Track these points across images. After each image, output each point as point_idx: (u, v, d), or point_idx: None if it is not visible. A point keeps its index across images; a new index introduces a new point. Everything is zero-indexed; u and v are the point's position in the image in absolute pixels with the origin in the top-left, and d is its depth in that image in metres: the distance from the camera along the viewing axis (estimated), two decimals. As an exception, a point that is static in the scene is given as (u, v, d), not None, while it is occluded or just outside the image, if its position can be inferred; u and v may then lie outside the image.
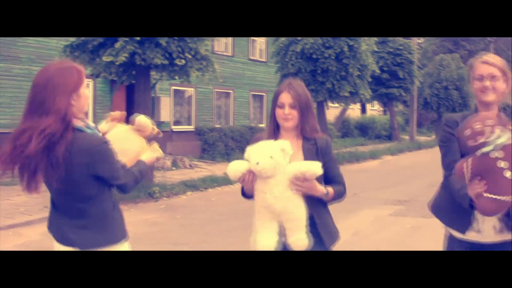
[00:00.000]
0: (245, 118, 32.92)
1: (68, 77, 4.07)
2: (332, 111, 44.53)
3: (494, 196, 3.77)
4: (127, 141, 4.52)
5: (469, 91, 47.22)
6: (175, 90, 27.94)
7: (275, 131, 4.64)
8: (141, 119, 4.57)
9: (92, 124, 4.20)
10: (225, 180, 19.39)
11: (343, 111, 41.46)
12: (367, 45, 26.77)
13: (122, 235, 4.28)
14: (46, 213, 4.05)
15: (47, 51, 21.15)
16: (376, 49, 30.17)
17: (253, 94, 33.87)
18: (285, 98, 4.54)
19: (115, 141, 4.27)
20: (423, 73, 47.63)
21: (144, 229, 12.27)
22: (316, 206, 4.51)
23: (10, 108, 19.96)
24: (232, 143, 28.81)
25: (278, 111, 4.56)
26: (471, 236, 4.47)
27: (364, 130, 46.36)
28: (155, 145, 4.67)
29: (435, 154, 12.40)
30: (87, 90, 4.16)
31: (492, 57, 4.44)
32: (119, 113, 4.60)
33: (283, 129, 4.62)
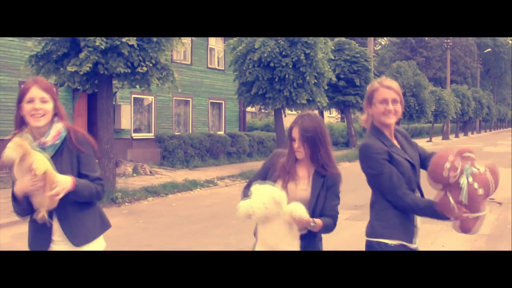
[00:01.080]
0: (204, 126, 33.22)
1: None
2: (290, 118, 44.64)
3: (476, 215, 4.37)
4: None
5: (425, 97, 48.01)
6: (135, 98, 28.24)
7: (295, 158, 4.90)
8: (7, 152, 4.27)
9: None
10: (185, 187, 19.90)
11: None
12: (323, 53, 27.12)
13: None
14: (14, 217, 4.32)
15: (12, 61, 21.57)
16: (332, 57, 30.63)
17: (211, 102, 34.20)
18: (295, 132, 4.84)
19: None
20: None
21: (108, 232, 12.65)
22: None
23: (-24, 117, 20.25)
24: (192, 150, 29.11)
25: (291, 143, 4.90)
26: (417, 243, 4.96)
27: (322, 136, 46.82)
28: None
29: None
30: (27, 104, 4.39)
31: (393, 83, 4.88)
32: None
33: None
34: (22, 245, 4.98)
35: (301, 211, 4.45)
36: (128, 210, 15.92)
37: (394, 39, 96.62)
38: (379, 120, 4.84)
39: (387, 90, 4.80)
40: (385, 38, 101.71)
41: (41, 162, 4.25)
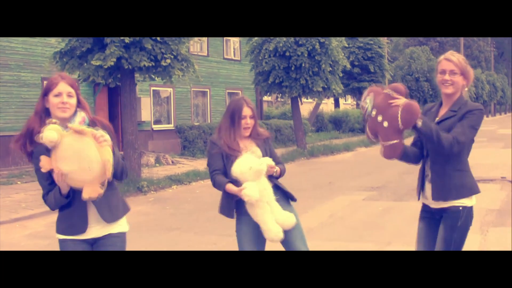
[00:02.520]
0: (221, 115, 33.32)
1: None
2: (306, 106, 45.04)
3: (387, 143, 5.05)
4: (78, 142, 4.74)
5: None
6: (154, 90, 28.80)
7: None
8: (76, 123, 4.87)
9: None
10: (207, 174, 20.30)
11: (317, 106, 42.01)
12: (337, 41, 27.51)
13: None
14: (45, 207, 4.77)
15: (34, 58, 22.18)
16: (346, 45, 30.96)
17: (228, 92, 34.59)
18: (246, 111, 6.02)
19: (69, 146, 4.72)
20: (394, 66, 48.37)
21: (138, 218, 13.32)
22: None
23: (2, 112, 20.98)
24: (211, 140, 29.44)
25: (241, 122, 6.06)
26: (423, 200, 5.56)
27: (338, 123, 46.92)
28: (96, 132, 4.90)
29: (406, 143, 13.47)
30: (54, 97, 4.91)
31: (454, 55, 5.33)
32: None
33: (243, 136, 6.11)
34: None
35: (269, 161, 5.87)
36: (154, 198, 16.50)
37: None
38: (441, 91, 5.40)
39: (446, 62, 5.29)
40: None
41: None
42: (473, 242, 9.88)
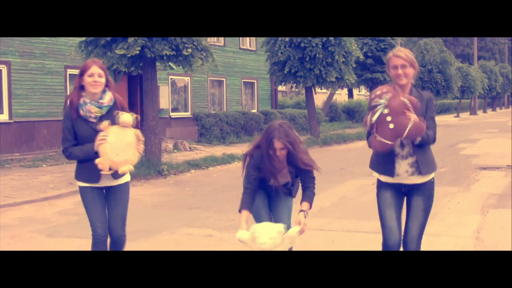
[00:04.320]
0: (237, 104, 34.31)
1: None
2: (320, 96, 45.60)
3: (381, 139, 5.71)
4: (123, 136, 6.32)
5: (451, 74, 48.73)
6: (172, 79, 29.62)
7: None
8: (124, 117, 6.33)
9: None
10: (224, 160, 21.25)
11: (330, 96, 42.45)
12: None
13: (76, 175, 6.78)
14: (72, 188, 5.66)
15: (58, 47, 23.00)
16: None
17: (244, 82, 35.21)
18: (277, 144, 6.34)
19: (117, 141, 6.28)
20: None
21: (160, 198, 14.18)
22: None
23: (26, 99, 21.87)
24: (227, 128, 30.41)
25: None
26: (394, 179, 6.24)
27: (351, 114, 47.39)
28: (139, 132, 6.54)
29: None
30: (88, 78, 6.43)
31: (401, 51, 6.09)
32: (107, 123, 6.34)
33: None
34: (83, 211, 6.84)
35: (296, 229, 6.05)
36: (174, 181, 17.25)
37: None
38: (395, 82, 6.08)
39: (396, 58, 6.03)
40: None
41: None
42: (473, 222, 10.69)
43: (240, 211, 6.44)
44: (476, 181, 15.69)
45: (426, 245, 8.04)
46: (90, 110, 6.39)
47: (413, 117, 5.61)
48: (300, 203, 6.46)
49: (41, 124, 22.30)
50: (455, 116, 63.47)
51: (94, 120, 6.42)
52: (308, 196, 6.54)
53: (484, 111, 79.93)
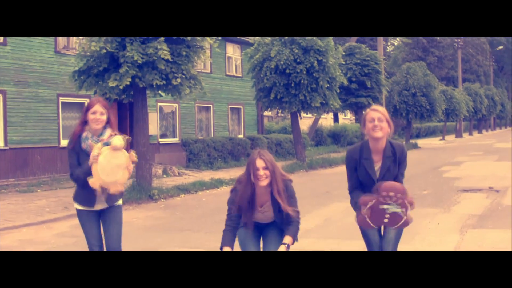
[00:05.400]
0: (224, 130, 34.88)
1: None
2: (306, 121, 45.82)
3: (370, 223, 6.50)
4: (113, 159, 6.92)
5: (435, 97, 49.37)
6: (160, 106, 30.22)
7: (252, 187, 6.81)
8: (115, 141, 6.94)
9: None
10: (212, 184, 21.89)
11: (316, 121, 42.72)
12: (334, 59, 28.54)
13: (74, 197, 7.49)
14: (68, 212, 6.23)
15: (50, 75, 23.79)
16: (343, 62, 31.88)
17: (231, 107, 35.82)
18: (259, 163, 6.69)
19: (108, 163, 6.87)
20: (391, 82, 49.04)
21: (152, 221, 14.80)
22: None
23: (21, 126, 22.58)
24: (215, 153, 30.97)
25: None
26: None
27: (337, 138, 47.81)
28: (132, 153, 7.23)
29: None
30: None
31: (379, 107, 6.71)
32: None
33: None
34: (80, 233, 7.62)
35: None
36: (164, 205, 17.86)
37: (406, 39, 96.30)
38: (370, 136, 6.68)
39: (373, 112, 6.63)
40: (397, 38, 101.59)
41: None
42: (452, 241, 11.31)
43: (221, 249, 6.68)
44: (457, 203, 16.28)
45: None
46: (91, 145, 7.05)
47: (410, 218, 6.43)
48: (283, 236, 6.76)
49: (35, 151, 22.96)
50: (441, 139, 64.16)
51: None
52: (292, 230, 6.77)
53: (470, 134, 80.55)
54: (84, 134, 7.12)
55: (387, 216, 6.32)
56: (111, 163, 6.90)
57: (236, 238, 6.97)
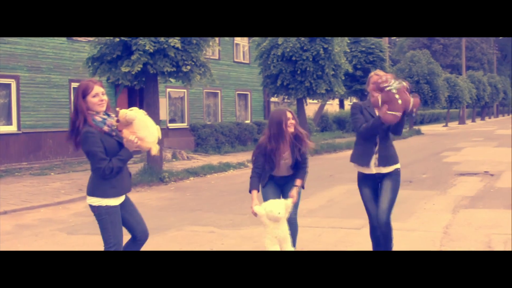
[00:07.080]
0: (231, 115, 35.39)
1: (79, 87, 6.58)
2: (311, 107, 46.55)
3: (393, 113, 7.26)
4: (146, 121, 6.48)
5: (438, 84, 49.84)
6: (169, 91, 30.85)
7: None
8: (131, 112, 6.34)
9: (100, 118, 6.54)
10: (220, 168, 22.57)
11: (321, 107, 43.05)
12: (340, 47, 28.84)
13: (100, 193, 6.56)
14: (82, 193, 6.34)
15: (63, 61, 24.41)
16: (348, 50, 32.24)
17: (238, 93, 36.28)
18: (289, 114, 8.08)
19: (145, 127, 6.46)
20: (396, 69, 49.45)
21: (163, 202, 15.52)
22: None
23: (34, 111, 23.29)
24: (222, 138, 31.65)
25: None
26: (368, 170, 7.90)
27: (342, 123, 48.39)
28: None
29: (407, 143, 16.23)
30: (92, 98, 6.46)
31: (380, 72, 7.70)
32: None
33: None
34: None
35: (290, 201, 7.85)
36: (174, 187, 18.56)
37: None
38: (372, 94, 7.67)
39: (374, 76, 7.61)
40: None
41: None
42: (444, 219, 12.06)
43: (250, 192, 8.10)
44: (453, 186, 16.98)
45: (400, 237, 9.52)
46: (112, 123, 6.45)
47: (413, 96, 7.30)
48: (294, 180, 8.28)
49: (47, 135, 23.63)
50: (444, 126, 64.71)
51: (114, 133, 6.50)
52: (302, 174, 8.36)
53: (473, 120, 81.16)
54: (97, 118, 6.42)
55: (397, 96, 7.18)
56: (147, 125, 6.49)
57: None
